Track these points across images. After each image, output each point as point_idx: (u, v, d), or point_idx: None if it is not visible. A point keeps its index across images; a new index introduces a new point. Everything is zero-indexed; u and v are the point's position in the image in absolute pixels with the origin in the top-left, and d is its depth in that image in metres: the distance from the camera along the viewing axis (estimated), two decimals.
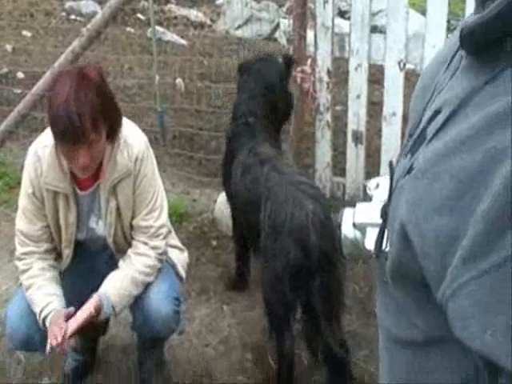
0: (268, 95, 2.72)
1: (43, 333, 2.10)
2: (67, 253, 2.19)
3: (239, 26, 7.40)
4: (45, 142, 2.07)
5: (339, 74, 3.77)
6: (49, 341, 1.95)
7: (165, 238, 2.15)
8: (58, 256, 2.22)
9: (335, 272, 2.22)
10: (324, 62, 3.37)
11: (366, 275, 2.81)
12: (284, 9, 8.85)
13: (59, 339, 1.91)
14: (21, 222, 2.15)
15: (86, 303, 2.01)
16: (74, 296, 2.20)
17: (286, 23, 7.70)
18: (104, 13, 4.27)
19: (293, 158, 3.37)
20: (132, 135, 2.10)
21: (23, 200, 2.14)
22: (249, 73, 2.78)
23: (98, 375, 2.45)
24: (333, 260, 2.19)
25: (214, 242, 3.25)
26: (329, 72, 3.38)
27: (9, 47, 6.29)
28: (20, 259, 2.15)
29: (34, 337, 2.12)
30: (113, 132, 2.02)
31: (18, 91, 4.97)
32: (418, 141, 0.75)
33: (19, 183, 3.73)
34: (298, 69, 3.32)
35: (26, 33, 6.82)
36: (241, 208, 2.56)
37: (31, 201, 2.11)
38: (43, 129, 4.25)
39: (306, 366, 2.32)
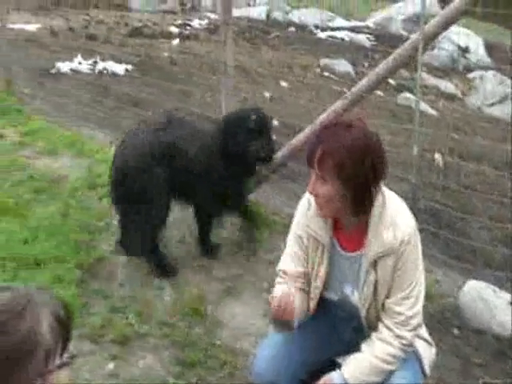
0: None
1: (289, 380, 2.19)
2: (311, 305, 2.25)
3: (492, 104, 7.19)
4: None
5: None
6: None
7: (414, 329, 2.10)
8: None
9: None
10: None
11: None
12: None
13: None
14: (285, 262, 2.26)
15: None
16: (314, 355, 2.26)
17: None
18: (370, 79, 4.40)
19: None
20: (402, 217, 2.09)
21: (291, 241, 2.25)
22: None
23: None
24: None
25: (456, 331, 3.13)
26: None
27: (267, 95, 6.78)
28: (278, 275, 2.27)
29: (280, 383, 2.21)
30: (358, 202, 2.03)
31: (273, 137, 5.31)
32: None
33: (267, 225, 4.01)
34: None
35: (283, 83, 7.31)
36: None
37: (298, 244, 2.22)
38: (294, 179, 4.51)
39: None
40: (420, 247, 2.13)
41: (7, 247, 3.58)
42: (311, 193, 2.07)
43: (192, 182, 3.41)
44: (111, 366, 2.87)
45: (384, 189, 2.11)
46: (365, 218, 2.09)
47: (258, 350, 2.34)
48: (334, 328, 2.35)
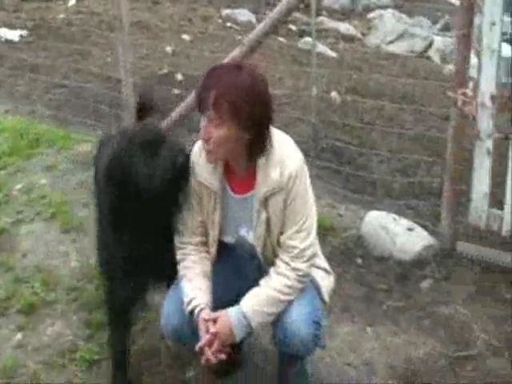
0: None
1: (193, 327, 2.21)
2: (212, 251, 2.28)
3: (391, 41, 7.32)
4: None
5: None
6: (199, 344, 2.09)
7: (308, 260, 2.14)
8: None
9: None
10: (487, 86, 3.23)
11: None
12: (438, 26, 8.64)
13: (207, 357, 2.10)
14: (183, 212, 2.26)
15: (216, 323, 2.10)
16: (222, 295, 2.28)
17: (439, 41, 7.51)
18: (265, 24, 4.39)
19: (448, 182, 3.27)
20: (288, 154, 2.11)
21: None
22: None
23: (241, 374, 2.53)
24: None
25: (359, 261, 3.23)
26: (492, 98, 3.24)
27: (169, 49, 6.64)
28: (178, 248, 2.29)
29: (184, 331, 2.22)
30: (254, 144, 2.05)
31: (177, 92, 5.24)
32: None
33: None
34: (460, 91, 3.23)
35: (185, 36, 7.16)
36: None
37: (193, 194, 2.22)
38: (199, 130, 4.47)
39: None
40: (309, 182, 2.16)
41: None
42: (203, 138, 2.05)
43: None
44: (19, 336, 2.80)
45: (270, 128, 2.13)
46: (254, 161, 2.11)
47: (164, 302, 2.34)
48: (239, 268, 2.37)
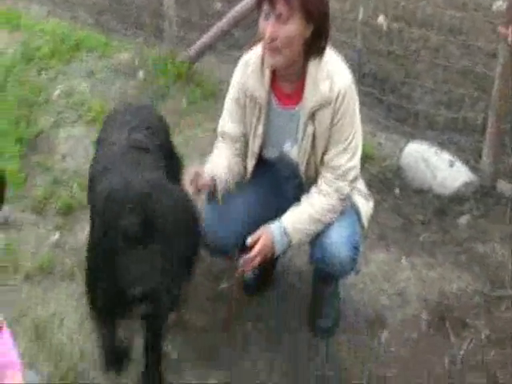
0: None
1: (234, 242, 2.23)
2: (250, 164, 2.27)
3: None
4: (255, 50, 2.15)
5: None
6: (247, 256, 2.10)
7: (352, 182, 2.14)
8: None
9: None
10: None
11: None
12: None
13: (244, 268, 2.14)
14: (224, 124, 2.27)
15: (260, 240, 2.10)
16: (260, 212, 2.28)
17: None
18: None
19: (493, 119, 3.17)
20: (338, 71, 2.08)
21: (229, 104, 2.25)
22: None
23: (274, 294, 2.56)
24: None
25: (397, 191, 3.19)
26: None
27: None
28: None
29: (227, 244, 2.27)
30: (316, 40, 2.01)
31: (219, 5, 5.10)
32: None
33: (212, 94, 3.94)
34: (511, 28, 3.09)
35: None
36: None
37: (236, 105, 2.22)
38: (240, 46, 4.35)
39: None
40: (357, 103, 2.13)
41: None
42: (270, 37, 1.98)
43: None
44: (56, 235, 2.85)
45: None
46: (303, 72, 2.07)
47: (206, 210, 2.29)
48: (278, 186, 2.37)
